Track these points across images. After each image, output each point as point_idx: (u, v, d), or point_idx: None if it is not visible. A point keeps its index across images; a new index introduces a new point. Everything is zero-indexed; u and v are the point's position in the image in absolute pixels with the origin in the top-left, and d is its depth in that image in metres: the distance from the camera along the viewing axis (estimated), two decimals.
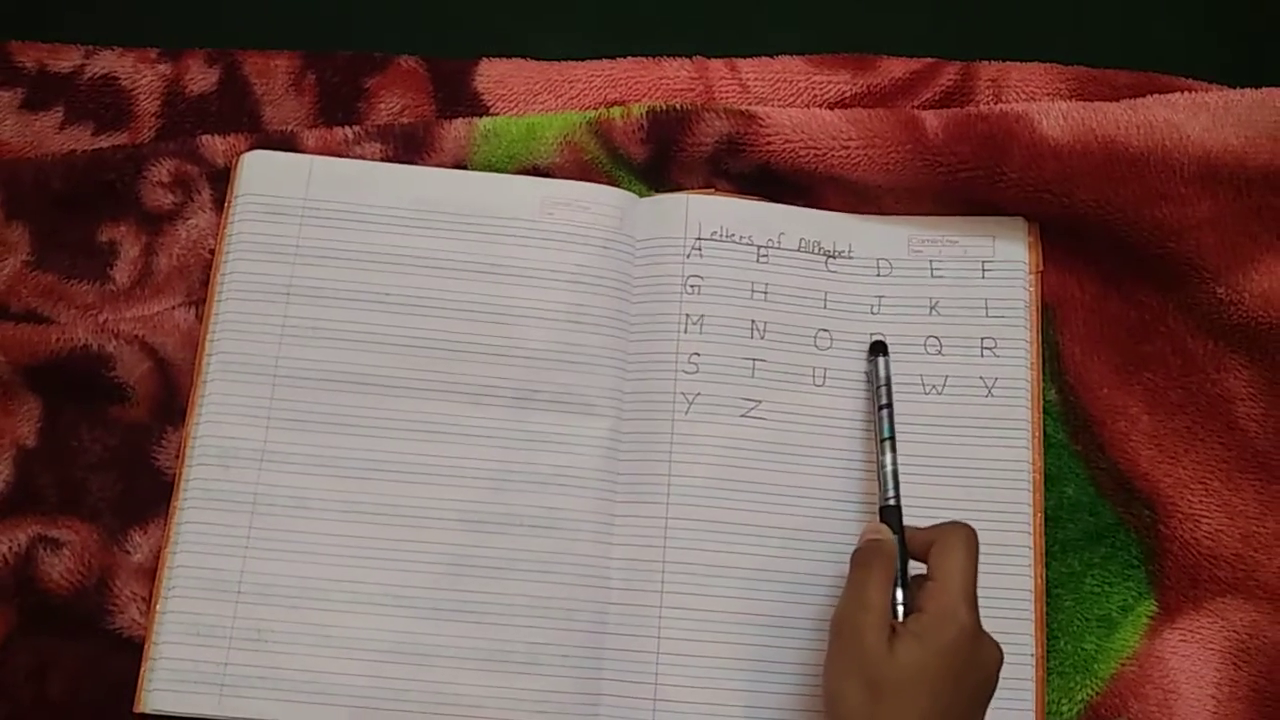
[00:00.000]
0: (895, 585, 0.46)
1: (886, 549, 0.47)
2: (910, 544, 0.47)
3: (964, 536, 0.45)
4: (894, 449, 0.50)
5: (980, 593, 0.51)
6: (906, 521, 0.50)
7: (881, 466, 0.50)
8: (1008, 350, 0.54)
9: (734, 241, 0.55)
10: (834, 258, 0.56)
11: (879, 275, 0.55)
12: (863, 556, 0.46)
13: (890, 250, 0.56)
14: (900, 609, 0.45)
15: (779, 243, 0.56)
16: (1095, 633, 0.52)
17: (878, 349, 0.53)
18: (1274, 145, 0.53)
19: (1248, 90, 0.54)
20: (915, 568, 0.47)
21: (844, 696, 0.43)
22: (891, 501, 0.49)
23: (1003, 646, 0.50)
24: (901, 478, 0.52)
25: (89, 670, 0.51)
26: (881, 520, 0.49)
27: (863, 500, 0.52)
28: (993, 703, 0.49)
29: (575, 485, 0.52)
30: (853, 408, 0.54)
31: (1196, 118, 0.53)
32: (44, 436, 0.53)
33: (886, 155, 0.54)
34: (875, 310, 0.55)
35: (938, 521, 0.48)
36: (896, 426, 0.51)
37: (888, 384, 0.52)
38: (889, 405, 0.52)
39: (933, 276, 0.55)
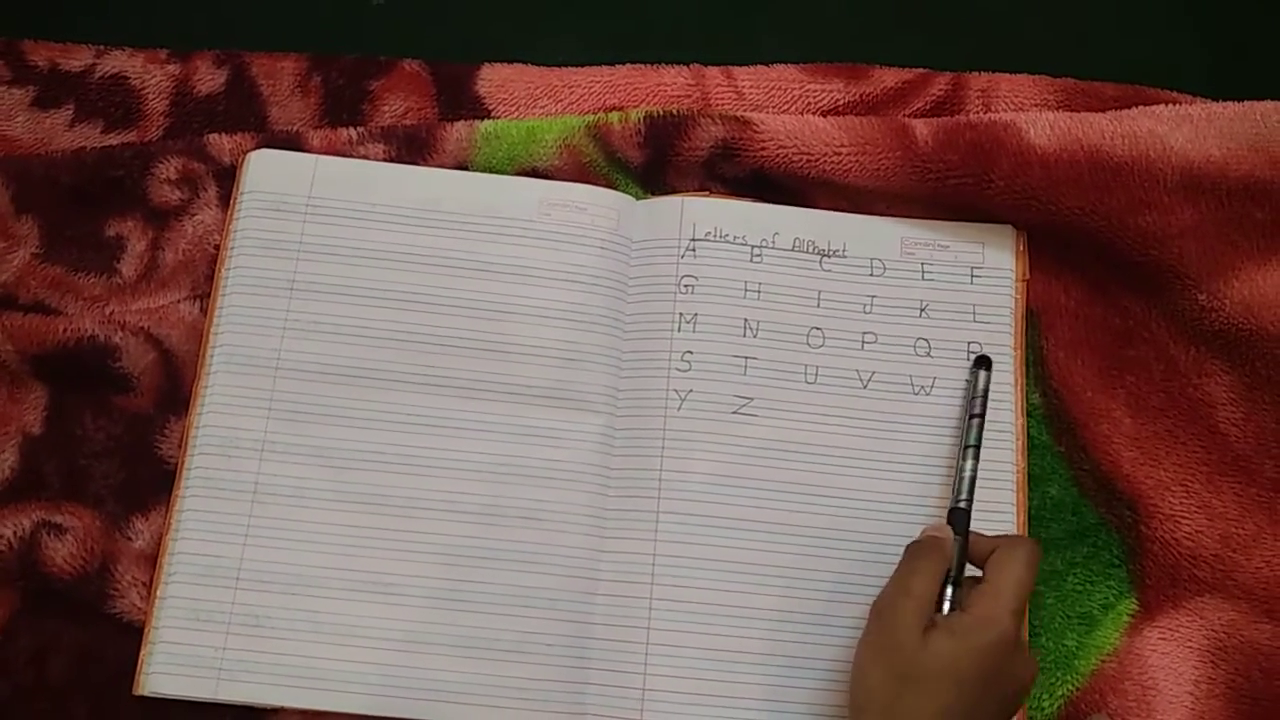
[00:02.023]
0: (947, 582, 0.46)
1: (942, 545, 0.47)
2: (973, 549, 0.47)
3: (1027, 550, 0.45)
4: (976, 457, 0.51)
5: None
6: (896, 519, 0.52)
7: (960, 470, 0.51)
8: (994, 355, 0.55)
9: (728, 241, 0.57)
10: (828, 256, 0.57)
11: (872, 275, 0.57)
12: (917, 548, 0.47)
13: (883, 251, 0.57)
14: (947, 604, 0.46)
15: (773, 242, 0.57)
16: (1076, 630, 0.53)
17: (982, 363, 0.54)
18: (1254, 157, 0.54)
19: (1230, 103, 0.55)
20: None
21: (870, 676, 0.43)
22: (963, 504, 0.50)
23: None
24: (890, 475, 0.53)
25: (89, 653, 0.52)
26: (949, 521, 0.49)
27: (852, 495, 0.53)
28: None
29: (569, 479, 0.53)
30: (843, 404, 0.55)
31: (1180, 129, 0.54)
32: (49, 424, 0.54)
33: (877, 161, 0.56)
34: (868, 310, 0.56)
35: (932, 521, 0.50)
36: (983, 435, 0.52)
37: (984, 395, 0.53)
38: (981, 415, 0.53)
39: (923, 279, 0.57)
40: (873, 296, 0.56)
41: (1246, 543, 0.53)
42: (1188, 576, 0.53)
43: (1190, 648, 0.52)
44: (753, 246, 0.57)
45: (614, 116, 0.58)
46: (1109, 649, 0.52)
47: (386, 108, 0.60)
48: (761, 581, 0.52)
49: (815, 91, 0.59)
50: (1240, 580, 0.53)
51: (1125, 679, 0.52)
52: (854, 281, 0.56)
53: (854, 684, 0.44)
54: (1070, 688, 0.52)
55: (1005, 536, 0.47)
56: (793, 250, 0.57)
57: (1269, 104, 0.55)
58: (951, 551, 0.47)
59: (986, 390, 0.53)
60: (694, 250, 0.56)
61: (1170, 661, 0.52)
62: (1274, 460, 0.54)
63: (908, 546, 0.47)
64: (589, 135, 0.57)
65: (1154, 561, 0.53)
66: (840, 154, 0.56)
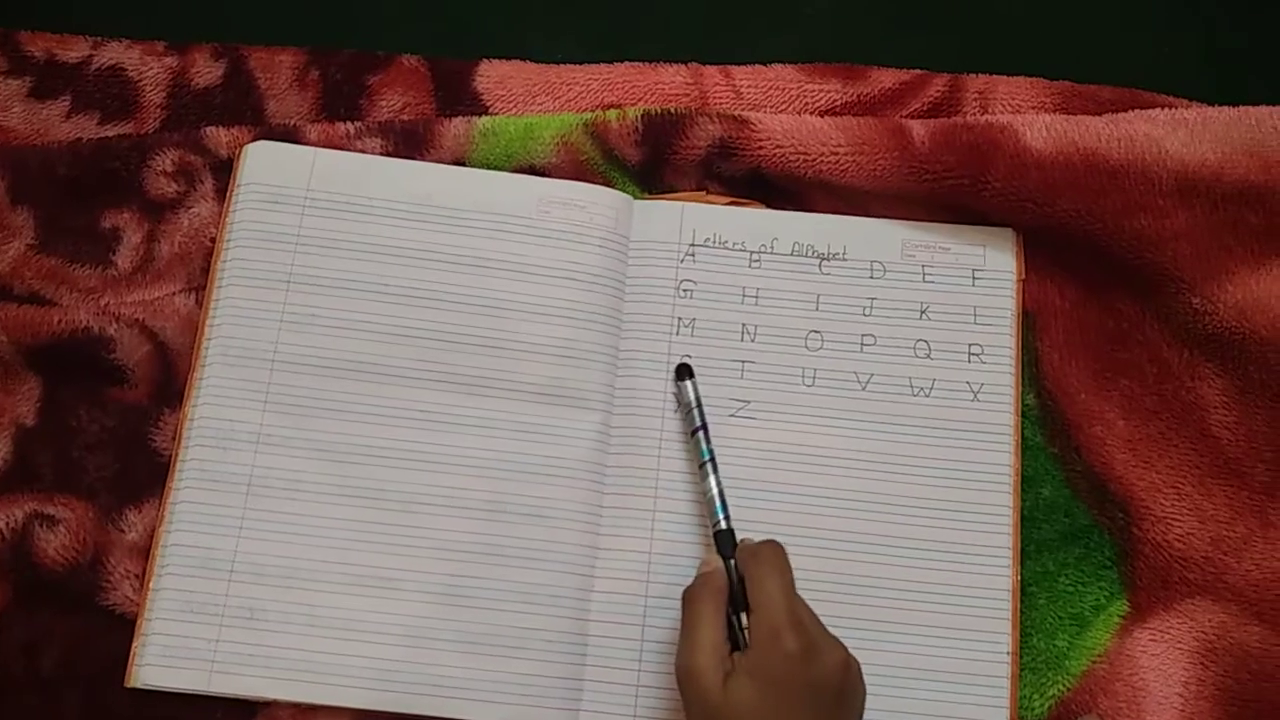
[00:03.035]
0: (737, 611, 0.46)
1: (714, 581, 0.46)
2: (740, 566, 0.47)
3: (770, 560, 0.45)
4: (715, 470, 0.51)
5: (959, 591, 0.52)
6: (894, 521, 0.52)
7: (706, 492, 0.51)
8: (993, 357, 0.56)
9: (726, 249, 0.57)
10: (828, 260, 0.57)
11: (872, 277, 0.57)
12: (691, 593, 0.46)
13: (883, 253, 0.57)
14: (747, 633, 0.45)
15: (772, 248, 0.57)
16: (1068, 631, 0.53)
17: (683, 372, 0.54)
18: (1249, 161, 0.54)
19: (1225, 108, 0.56)
20: None
21: None
22: (723, 525, 0.49)
23: (979, 643, 0.52)
24: (889, 476, 0.54)
25: (82, 645, 0.51)
26: (717, 547, 0.49)
27: (849, 496, 0.53)
28: (967, 697, 0.51)
29: (565, 476, 0.53)
30: (842, 406, 0.55)
31: (1175, 133, 0.55)
32: (43, 416, 0.54)
33: (874, 162, 0.56)
34: (868, 312, 0.56)
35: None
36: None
37: (699, 406, 0.53)
38: (703, 427, 0.52)
39: (924, 281, 0.57)
40: (872, 299, 0.56)
41: (1237, 545, 0.53)
42: (1179, 579, 0.53)
43: (1180, 649, 0.52)
44: (751, 253, 0.57)
45: (612, 114, 0.58)
46: (1100, 650, 0.53)
47: (384, 103, 0.60)
48: None
49: (813, 91, 0.60)
50: (1230, 583, 0.53)
51: (1116, 680, 0.52)
52: (854, 284, 0.57)
53: None
54: (1061, 688, 0.52)
55: (748, 548, 0.47)
56: (791, 255, 0.57)
57: (1264, 109, 0.55)
58: (724, 583, 0.46)
59: (698, 400, 0.53)
60: (693, 256, 0.56)
61: (1160, 663, 0.52)
62: (1265, 464, 0.54)
63: (683, 593, 0.47)
64: (587, 133, 0.58)
65: (1145, 563, 0.54)
66: (837, 154, 0.56)
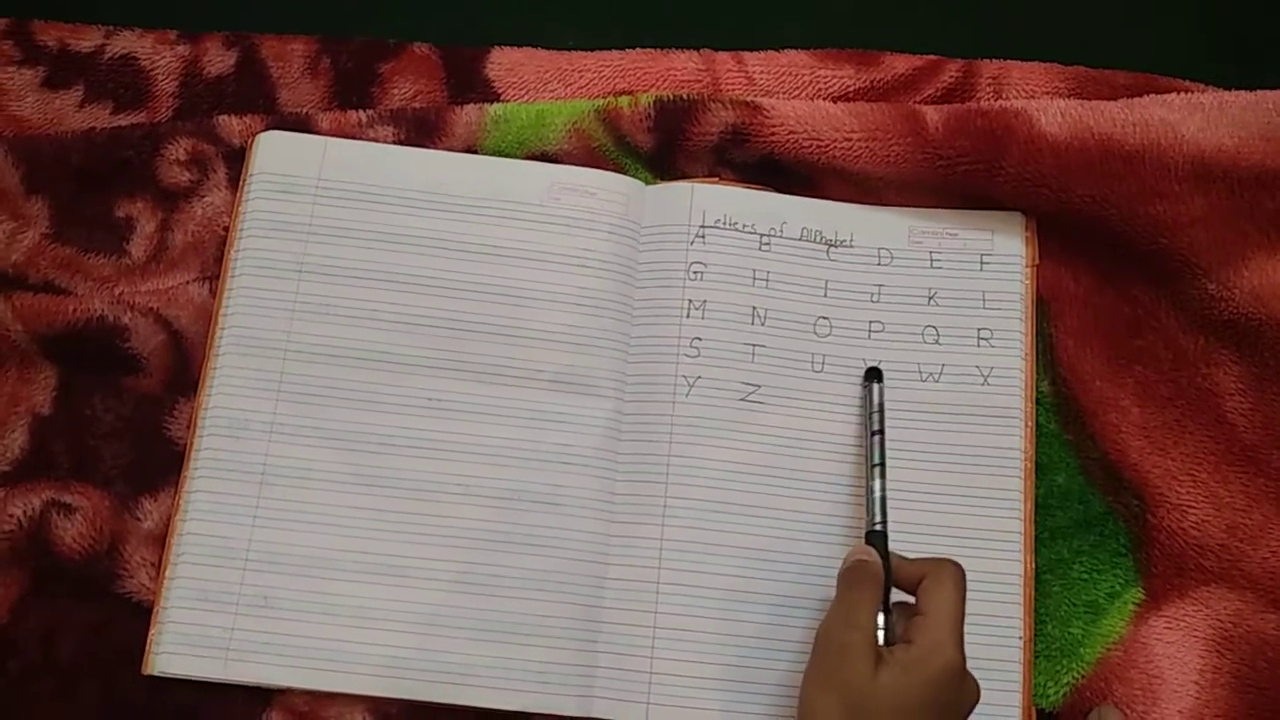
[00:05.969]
0: (879, 609, 0.46)
1: (874, 571, 0.47)
2: (897, 573, 0.47)
3: (954, 573, 0.45)
4: (884, 475, 0.51)
5: (971, 577, 0.52)
6: (905, 507, 0.52)
7: (870, 492, 0.50)
8: (1003, 341, 0.55)
9: (736, 230, 0.57)
10: (835, 246, 0.57)
11: (879, 264, 0.57)
12: (852, 576, 0.47)
13: (891, 240, 0.57)
14: (882, 634, 0.46)
15: (781, 232, 0.57)
16: (1082, 618, 0.53)
17: (873, 375, 0.54)
18: (1266, 146, 0.54)
19: (1242, 92, 0.55)
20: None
21: (821, 712, 0.43)
22: (879, 527, 0.49)
23: (992, 630, 0.52)
24: (894, 462, 0.53)
25: (98, 633, 0.52)
26: (868, 543, 0.49)
27: (858, 485, 0.53)
28: (981, 683, 0.51)
29: (577, 464, 0.53)
30: (850, 393, 0.55)
31: (1191, 118, 0.54)
32: (59, 404, 0.54)
33: (887, 148, 0.55)
34: (875, 299, 0.56)
35: (927, 504, 0.50)
36: (888, 447, 0.52)
37: (881, 410, 0.53)
38: (881, 431, 0.52)
39: (932, 267, 0.56)
40: (880, 285, 0.56)
41: (1253, 533, 0.53)
42: (1194, 566, 0.53)
43: (1196, 637, 0.52)
44: (761, 235, 0.57)
45: (623, 101, 0.57)
46: (1115, 637, 0.52)
47: (396, 90, 0.60)
48: (768, 567, 0.52)
49: (826, 77, 0.59)
50: (1246, 570, 0.53)
51: (1131, 668, 0.52)
52: (861, 271, 0.56)
53: (803, 713, 0.44)
54: (1076, 675, 0.52)
55: (928, 560, 0.47)
56: (800, 240, 0.57)
57: None
58: (882, 576, 0.47)
59: (882, 405, 0.53)
60: (703, 237, 0.56)
61: (1176, 651, 0.52)
62: None
63: (841, 573, 0.47)
64: (598, 119, 0.57)
65: (1160, 551, 0.53)
66: (850, 140, 0.56)
